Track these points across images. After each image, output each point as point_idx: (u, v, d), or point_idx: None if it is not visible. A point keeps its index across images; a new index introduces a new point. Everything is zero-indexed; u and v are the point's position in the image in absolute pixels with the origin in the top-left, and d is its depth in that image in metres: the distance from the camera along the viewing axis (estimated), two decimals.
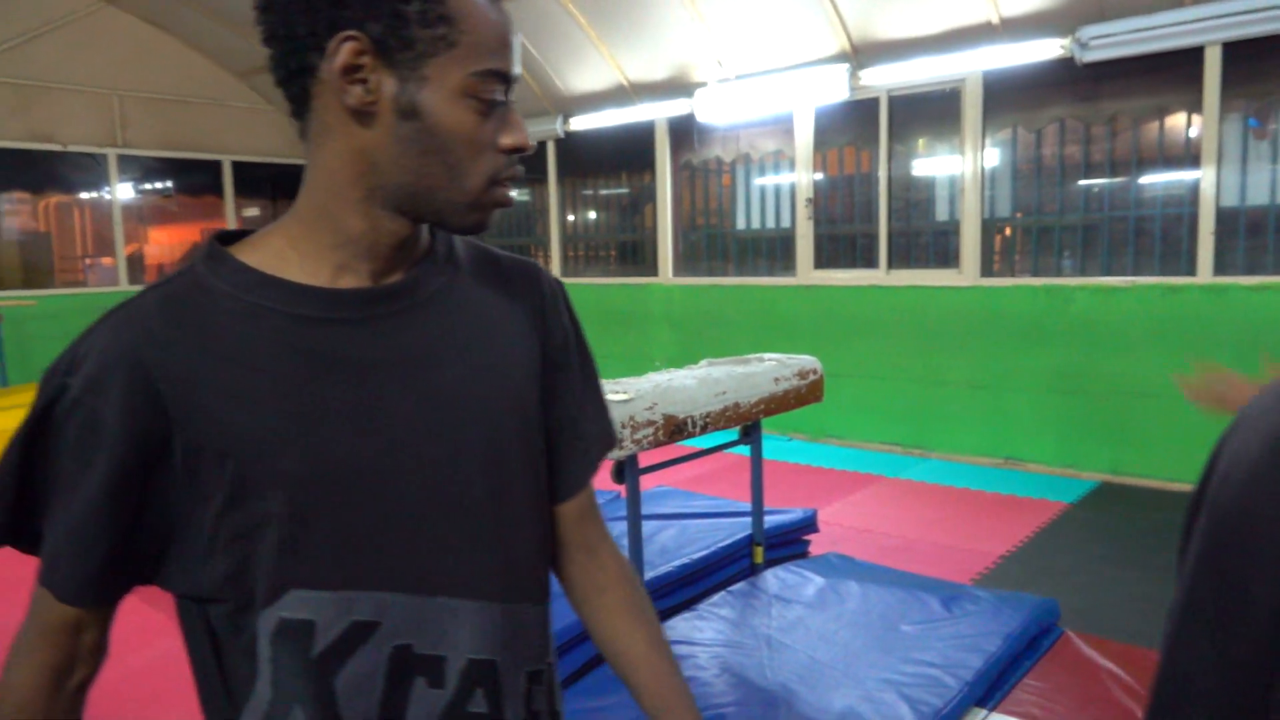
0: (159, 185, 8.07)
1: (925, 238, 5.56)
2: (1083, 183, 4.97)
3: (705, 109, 6.10)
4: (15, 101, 6.90)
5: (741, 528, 3.28)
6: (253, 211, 8.65)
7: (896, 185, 5.63)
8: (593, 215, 7.66)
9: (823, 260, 5.98)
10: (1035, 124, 5.07)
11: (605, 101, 6.78)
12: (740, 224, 6.53)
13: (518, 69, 0.76)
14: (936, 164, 5.55)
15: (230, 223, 8.30)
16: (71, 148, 7.24)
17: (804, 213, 5.97)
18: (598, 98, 6.81)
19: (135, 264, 7.89)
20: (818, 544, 3.63)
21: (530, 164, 7.22)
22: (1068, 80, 4.84)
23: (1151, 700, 1.69)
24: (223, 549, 0.71)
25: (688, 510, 3.64)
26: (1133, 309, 4.67)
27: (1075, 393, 4.91)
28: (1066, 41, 4.63)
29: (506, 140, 0.75)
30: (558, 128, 7.03)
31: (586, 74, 6.70)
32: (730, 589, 3.00)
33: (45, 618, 0.74)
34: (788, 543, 3.45)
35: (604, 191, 7.50)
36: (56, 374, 0.70)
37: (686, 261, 6.84)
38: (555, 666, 0.90)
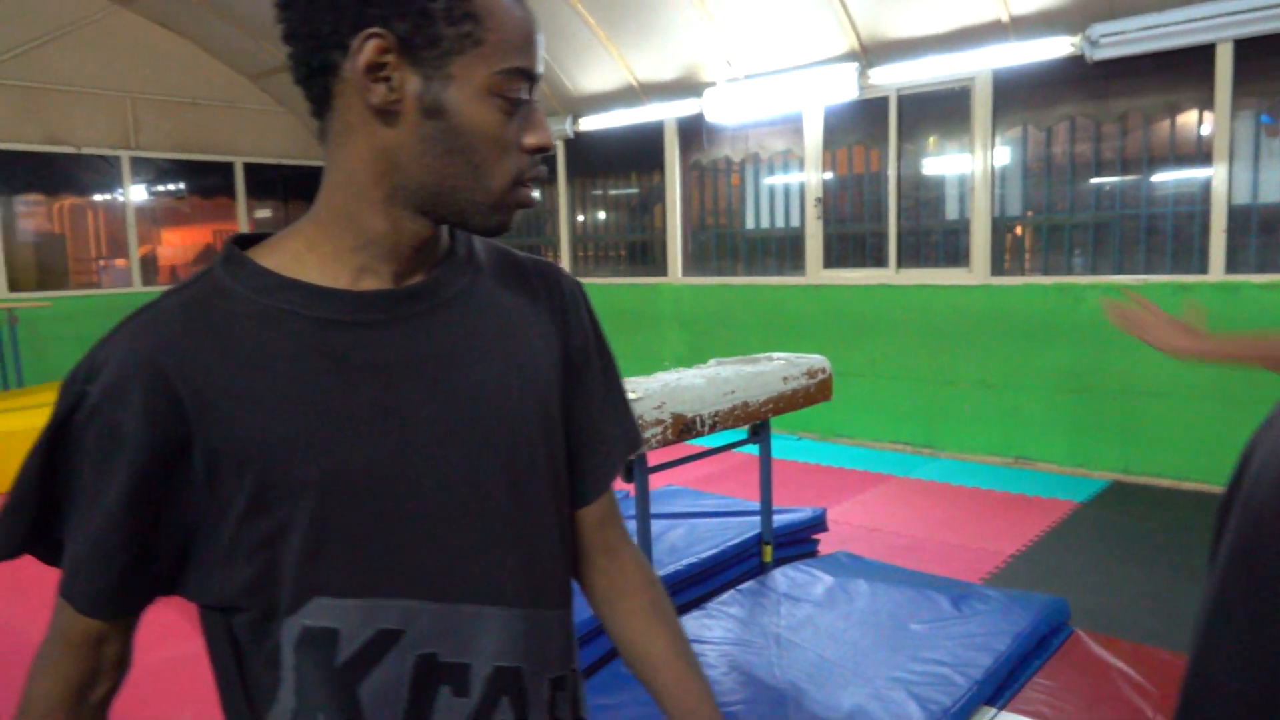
0: (172, 187, 8.13)
1: (935, 237, 5.55)
2: (1093, 181, 4.96)
3: (714, 109, 6.11)
4: (29, 105, 6.96)
5: (750, 527, 3.28)
6: (265, 213, 8.70)
7: (906, 184, 5.62)
8: (602, 215, 7.67)
9: (832, 260, 5.98)
10: (1045, 122, 5.06)
11: (614, 102, 6.79)
12: (749, 224, 6.54)
13: (541, 67, 0.75)
14: (946, 163, 5.54)
15: (242, 224, 8.36)
16: (85, 150, 7.31)
17: (813, 212, 5.96)
18: (607, 98, 6.83)
19: (148, 265, 7.95)
20: (827, 543, 3.63)
21: None
22: (1078, 78, 4.83)
23: (1181, 699, 1.69)
24: (244, 557, 0.70)
25: (697, 509, 3.65)
26: None
27: (1086, 392, 4.90)
28: (1077, 39, 4.62)
29: (530, 139, 0.74)
30: (567, 128, 7.05)
31: (596, 74, 6.71)
32: (739, 588, 3.01)
33: (66, 630, 0.73)
34: (796, 542, 3.46)
35: (613, 192, 7.51)
36: (75, 382, 0.69)
37: (696, 261, 6.85)
38: (579, 673, 0.89)
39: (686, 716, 0.88)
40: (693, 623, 2.76)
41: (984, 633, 2.63)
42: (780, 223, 6.33)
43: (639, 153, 6.95)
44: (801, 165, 6.05)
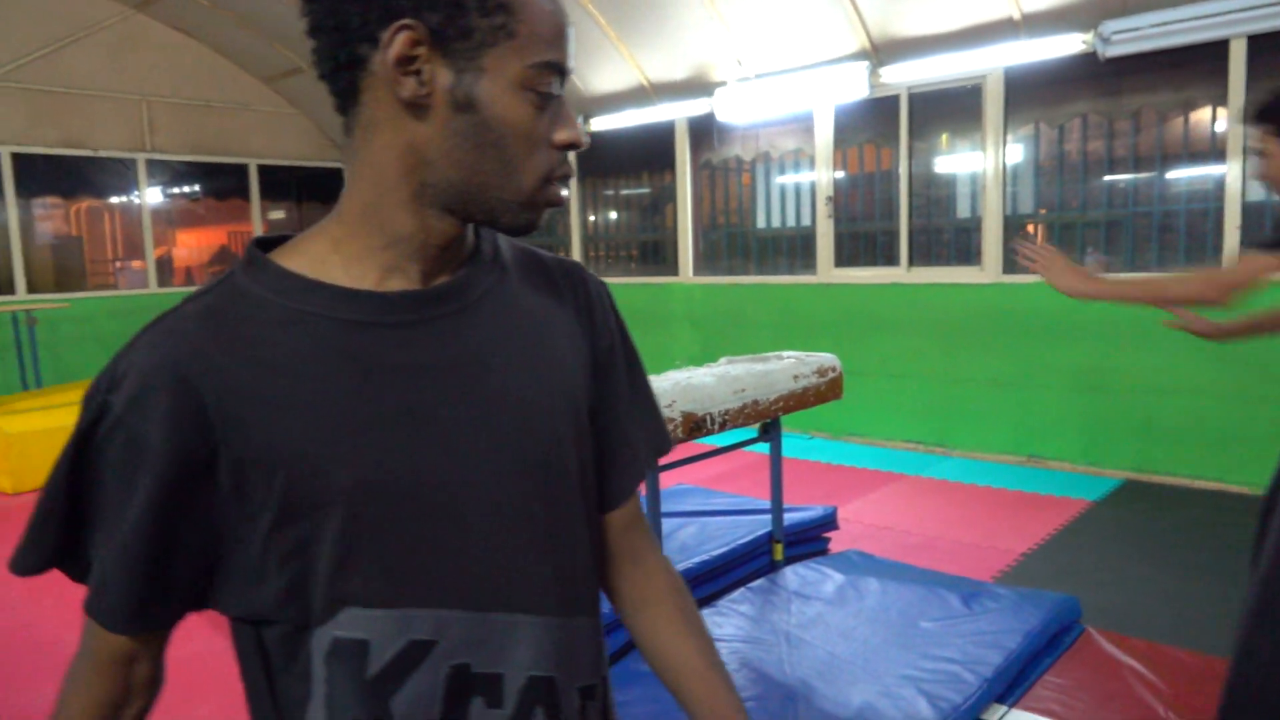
0: (187, 189, 8.21)
1: (946, 235, 5.54)
2: (1106, 178, 4.94)
3: (725, 108, 6.11)
4: (48, 108, 7.04)
5: (761, 525, 3.29)
6: (278, 214, 8.77)
7: (917, 182, 5.61)
8: (613, 215, 7.69)
9: (843, 258, 5.97)
10: (1058, 120, 5.04)
11: (625, 102, 6.81)
12: (760, 223, 6.54)
13: (573, 62, 0.74)
14: (958, 161, 5.52)
15: (257, 225, 8.42)
16: (102, 153, 7.39)
17: (824, 211, 5.96)
18: (618, 98, 6.84)
19: (164, 267, 8.02)
20: (838, 541, 3.64)
21: None
22: (1090, 75, 4.81)
23: (1224, 699, 1.70)
24: (274, 568, 0.69)
25: (707, 508, 3.66)
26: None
27: (1099, 390, 4.88)
28: (1089, 36, 4.60)
29: (561, 136, 0.73)
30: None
31: (607, 74, 6.73)
32: (750, 585, 3.02)
33: (95, 649, 0.72)
34: (807, 540, 3.47)
35: (625, 191, 7.53)
36: (97, 393, 0.68)
37: (707, 261, 6.86)
38: (608, 681, 0.87)
39: None
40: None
41: (995, 630, 2.63)
42: (791, 222, 6.34)
43: (650, 152, 6.96)
44: (812, 164, 6.05)
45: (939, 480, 4.94)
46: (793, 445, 5.65)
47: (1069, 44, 4.69)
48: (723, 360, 3.09)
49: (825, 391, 3.12)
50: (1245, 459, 4.41)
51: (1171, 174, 4.72)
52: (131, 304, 7.50)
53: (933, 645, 2.58)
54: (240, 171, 8.28)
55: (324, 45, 0.70)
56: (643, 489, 2.69)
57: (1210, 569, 3.49)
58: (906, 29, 5.26)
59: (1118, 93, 4.81)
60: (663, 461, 2.72)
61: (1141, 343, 4.69)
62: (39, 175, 7.13)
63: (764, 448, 3.26)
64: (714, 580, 3.06)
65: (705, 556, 3.04)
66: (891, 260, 5.72)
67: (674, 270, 6.92)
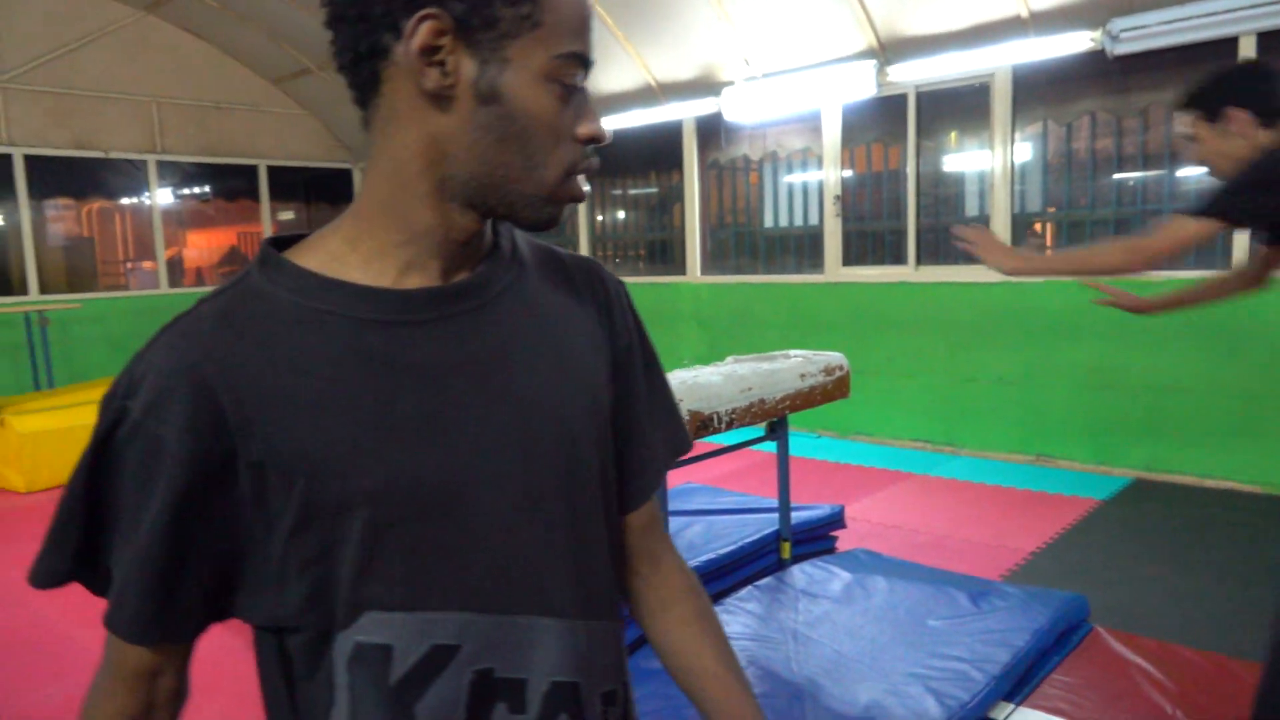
0: (197, 190, 8.26)
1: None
2: (1115, 176, 4.92)
3: (732, 108, 6.12)
4: (59, 110, 7.09)
5: (768, 524, 3.30)
6: (287, 215, 8.81)
7: (925, 181, 5.61)
8: (621, 214, 7.70)
9: (851, 257, 5.97)
10: (1066, 118, 5.03)
11: (633, 101, 6.82)
12: (768, 222, 6.54)
13: (595, 54, 0.73)
14: (965, 159, 5.52)
15: (266, 226, 8.46)
16: (113, 154, 7.44)
17: (832, 210, 5.96)
18: (625, 98, 6.85)
19: (174, 267, 8.07)
20: (846, 540, 3.64)
21: None
22: (1098, 73, 4.79)
23: (1256, 706, 1.70)
24: (296, 574, 0.67)
25: (715, 506, 3.66)
26: None
27: (1108, 389, 4.86)
28: (1097, 34, 4.59)
29: (584, 129, 0.71)
30: None
31: (614, 74, 6.74)
32: (757, 584, 3.02)
33: (118, 662, 0.70)
34: (815, 538, 3.47)
35: (632, 191, 7.54)
36: (114, 398, 0.66)
37: (715, 260, 6.86)
38: (629, 685, 0.85)
39: None
40: None
41: (1002, 629, 2.63)
42: (799, 221, 6.33)
43: (658, 152, 6.97)
44: (820, 163, 6.04)
45: (947, 479, 4.93)
46: (801, 444, 5.65)
47: (1077, 42, 4.68)
48: (730, 359, 3.10)
49: (832, 390, 3.12)
50: (1255, 458, 4.40)
51: (1181, 171, 4.70)
52: (142, 304, 7.55)
53: (940, 644, 2.58)
54: (250, 172, 8.32)
55: (345, 35, 0.68)
56: None
57: (1220, 568, 3.48)
58: (914, 27, 5.25)
59: (1126, 90, 4.79)
60: None
61: (1150, 341, 4.67)
62: (51, 177, 7.18)
63: (771, 446, 3.26)
64: (721, 578, 3.07)
65: (713, 555, 3.05)
66: (899, 259, 5.72)
67: (681, 269, 6.92)
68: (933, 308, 5.50)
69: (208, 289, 0.74)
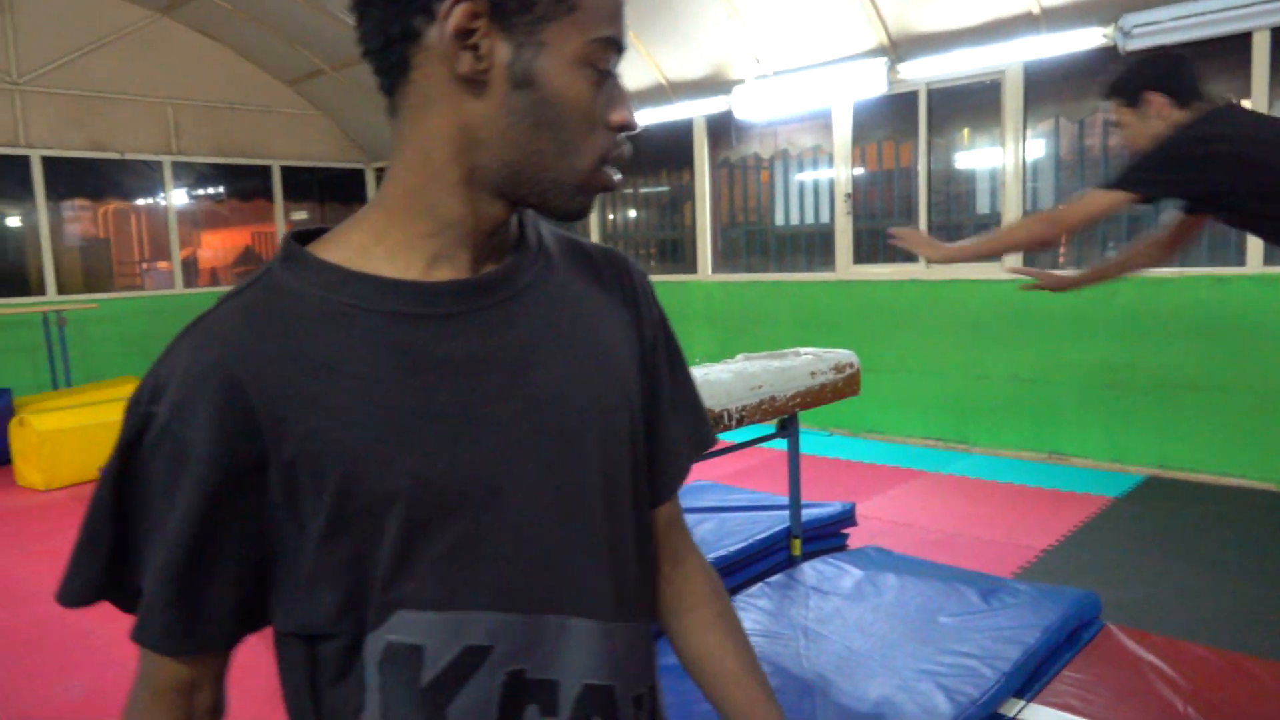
0: (211, 191, 8.32)
1: (966, 231, 5.51)
2: None
3: (743, 106, 6.12)
4: (76, 112, 7.17)
5: (779, 521, 3.31)
6: (301, 215, 8.87)
7: (936, 179, 5.60)
8: (632, 213, 7.72)
9: (862, 255, 5.96)
10: (1078, 114, 5.01)
11: (644, 100, 6.83)
12: (779, 220, 6.54)
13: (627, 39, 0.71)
14: (977, 156, 5.50)
15: (280, 226, 8.53)
16: (129, 156, 7.51)
17: (843, 208, 5.96)
18: (636, 96, 6.85)
19: (189, 268, 8.14)
20: (857, 538, 3.64)
21: None
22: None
23: None
24: (329, 579, 0.66)
25: (726, 504, 3.68)
26: (1180, 300, 4.59)
27: (1121, 386, 4.84)
28: (1109, 30, 4.57)
29: (617, 115, 0.70)
30: None
31: (624, 73, 6.71)
32: (768, 580, 3.03)
33: (153, 677, 0.68)
34: (826, 536, 3.47)
35: (643, 190, 7.55)
36: (139, 404, 0.64)
37: (726, 258, 6.87)
38: (658, 688, 0.83)
39: None
40: None
41: (1013, 626, 2.63)
42: (810, 219, 6.33)
43: (668, 151, 6.98)
44: (831, 161, 6.04)
45: (959, 477, 4.93)
46: (812, 442, 5.65)
47: (1089, 38, 4.66)
48: (740, 357, 3.11)
49: (843, 388, 3.12)
50: (1268, 455, 4.37)
51: None
52: (158, 304, 7.62)
53: (951, 640, 2.59)
54: (264, 173, 8.39)
55: (374, 19, 0.66)
56: None
57: (1233, 566, 3.47)
58: (925, 24, 5.24)
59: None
60: None
61: (1164, 338, 4.66)
62: (68, 178, 7.26)
63: (782, 444, 3.27)
64: (732, 575, 3.08)
65: (724, 552, 3.06)
66: (911, 257, 5.70)
67: (693, 268, 6.93)
68: (945, 305, 5.49)
69: (222, 289, 0.73)
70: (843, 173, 5.94)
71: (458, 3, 0.63)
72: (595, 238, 7.66)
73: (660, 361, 0.84)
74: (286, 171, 8.49)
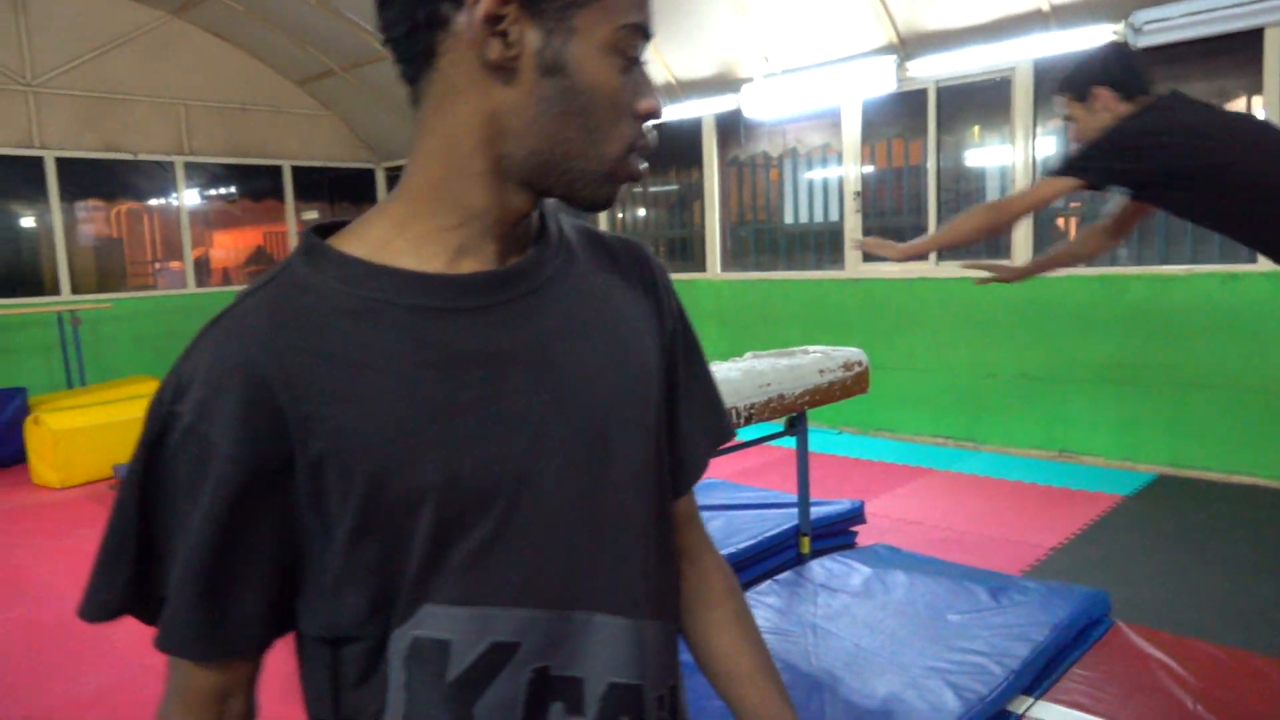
0: (223, 191, 8.37)
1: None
2: None
3: (752, 104, 6.12)
4: (90, 114, 7.22)
5: (788, 518, 3.32)
6: (311, 214, 8.91)
7: (946, 176, 5.59)
8: (641, 212, 7.73)
9: (871, 253, 5.95)
10: None
11: None
12: (788, 218, 6.54)
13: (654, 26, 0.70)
14: (987, 154, 5.49)
15: (291, 226, 8.57)
16: (141, 156, 7.56)
17: (852, 206, 5.95)
18: None
19: (201, 267, 8.19)
20: (866, 536, 3.65)
21: None
22: None
23: None
24: (356, 583, 0.65)
25: (735, 502, 3.69)
26: (1190, 298, 4.57)
27: (1132, 383, 4.83)
28: (1120, 27, 4.55)
29: (644, 103, 0.69)
30: None
31: None
32: (777, 578, 3.04)
33: (184, 687, 0.67)
34: (834, 534, 3.48)
35: (652, 189, 7.56)
36: (161, 404, 0.63)
37: (735, 257, 6.87)
38: (681, 685, 0.82)
39: None
40: None
41: (1022, 623, 2.63)
42: (819, 217, 6.33)
43: (677, 149, 6.99)
44: (840, 159, 6.04)
45: (968, 475, 4.92)
46: (822, 440, 5.66)
47: (1099, 35, 4.64)
48: (748, 355, 3.12)
49: (851, 386, 3.13)
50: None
51: None
52: (171, 304, 7.67)
53: (959, 638, 2.59)
54: (275, 173, 8.43)
55: (399, 5, 0.65)
56: None
57: (1243, 564, 3.46)
58: (934, 22, 5.23)
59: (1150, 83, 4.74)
60: None
61: (1175, 336, 4.64)
62: (81, 179, 7.31)
63: (790, 442, 3.27)
64: (741, 572, 3.09)
65: (732, 549, 3.07)
66: (918, 256, 5.69)
67: (702, 267, 6.94)
68: (954, 303, 5.48)
69: (234, 288, 0.72)
70: (852, 171, 5.93)
71: None
72: None
73: (679, 353, 0.83)
74: (297, 171, 8.53)
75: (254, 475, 0.62)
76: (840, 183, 6.05)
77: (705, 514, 3.48)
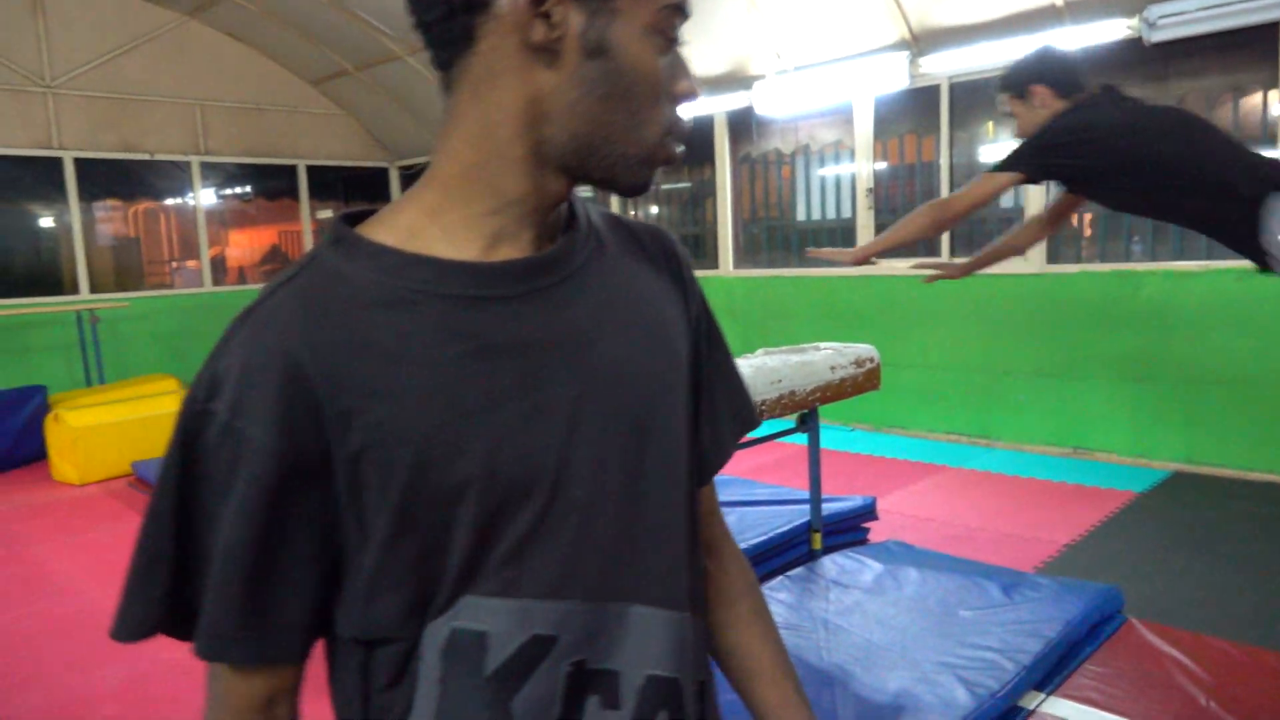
0: (239, 190, 8.44)
1: (990, 225, 5.49)
2: None
3: (764, 101, 6.12)
4: (107, 114, 7.30)
5: (799, 515, 3.32)
6: (326, 213, 8.97)
7: (959, 173, 5.57)
8: (654, 209, 7.74)
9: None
10: None
11: None
12: (801, 215, 6.54)
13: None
14: (1000, 150, 5.46)
15: (306, 225, 8.63)
16: (158, 156, 7.63)
17: (864, 202, 5.94)
18: None
19: (218, 266, 8.26)
20: (878, 532, 3.65)
21: None
22: (1136, 61, 4.73)
23: None
24: (393, 581, 0.63)
25: (747, 498, 3.69)
26: (1206, 294, 4.55)
27: (1147, 380, 4.81)
28: (1134, 21, 4.53)
29: (681, 85, 0.68)
30: None
31: None
32: (788, 574, 3.05)
33: (227, 695, 0.65)
34: (846, 530, 3.48)
35: (665, 186, 7.57)
36: (194, 402, 0.61)
37: (747, 254, 6.87)
38: (711, 682, 0.81)
39: None
40: None
41: (1034, 620, 2.63)
42: (832, 214, 6.32)
43: (689, 147, 6.82)
44: (852, 156, 6.03)
45: (982, 472, 4.91)
46: (834, 437, 5.66)
47: (1114, 29, 4.62)
48: (760, 351, 3.12)
49: (863, 382, 3.13)
50: None
51: None
52: (188, 303, 7.74)
53: (971, 633, 2.59)
54: (290, 172, 8.49)
55: None
56: None
57: (1260, 561, 3.44)
58: (947, 18, 5.22)
59: (1164, 78, 4.72)
60: None
61: (1190, 332, 4.61)
62: (99, 179, 7.39)
63: (802, 439, 3.28)
64: (752, 568, 3.10)
65: (744, 545, 3.08)
66: (933, 251, 5.69)
67: (714, 264, 6.94)
68: (967, 300, 5.46)
69: (250, 287, 0.70)
70: (864, 167, 5.92)
71: None
72: None
73: (704, 339, 0.82)
74: (312, 171, 8.59)
75: (292, 470, 0.60)
76: (853, 179, 6.05)
77: None
